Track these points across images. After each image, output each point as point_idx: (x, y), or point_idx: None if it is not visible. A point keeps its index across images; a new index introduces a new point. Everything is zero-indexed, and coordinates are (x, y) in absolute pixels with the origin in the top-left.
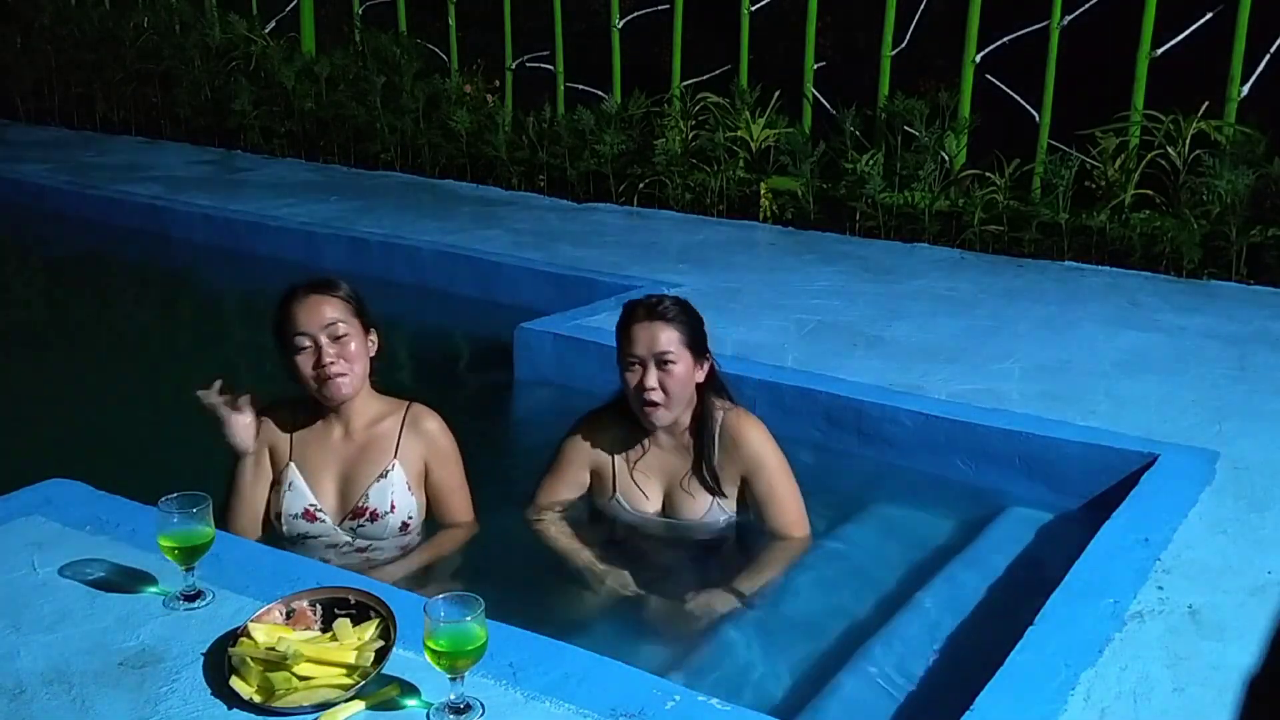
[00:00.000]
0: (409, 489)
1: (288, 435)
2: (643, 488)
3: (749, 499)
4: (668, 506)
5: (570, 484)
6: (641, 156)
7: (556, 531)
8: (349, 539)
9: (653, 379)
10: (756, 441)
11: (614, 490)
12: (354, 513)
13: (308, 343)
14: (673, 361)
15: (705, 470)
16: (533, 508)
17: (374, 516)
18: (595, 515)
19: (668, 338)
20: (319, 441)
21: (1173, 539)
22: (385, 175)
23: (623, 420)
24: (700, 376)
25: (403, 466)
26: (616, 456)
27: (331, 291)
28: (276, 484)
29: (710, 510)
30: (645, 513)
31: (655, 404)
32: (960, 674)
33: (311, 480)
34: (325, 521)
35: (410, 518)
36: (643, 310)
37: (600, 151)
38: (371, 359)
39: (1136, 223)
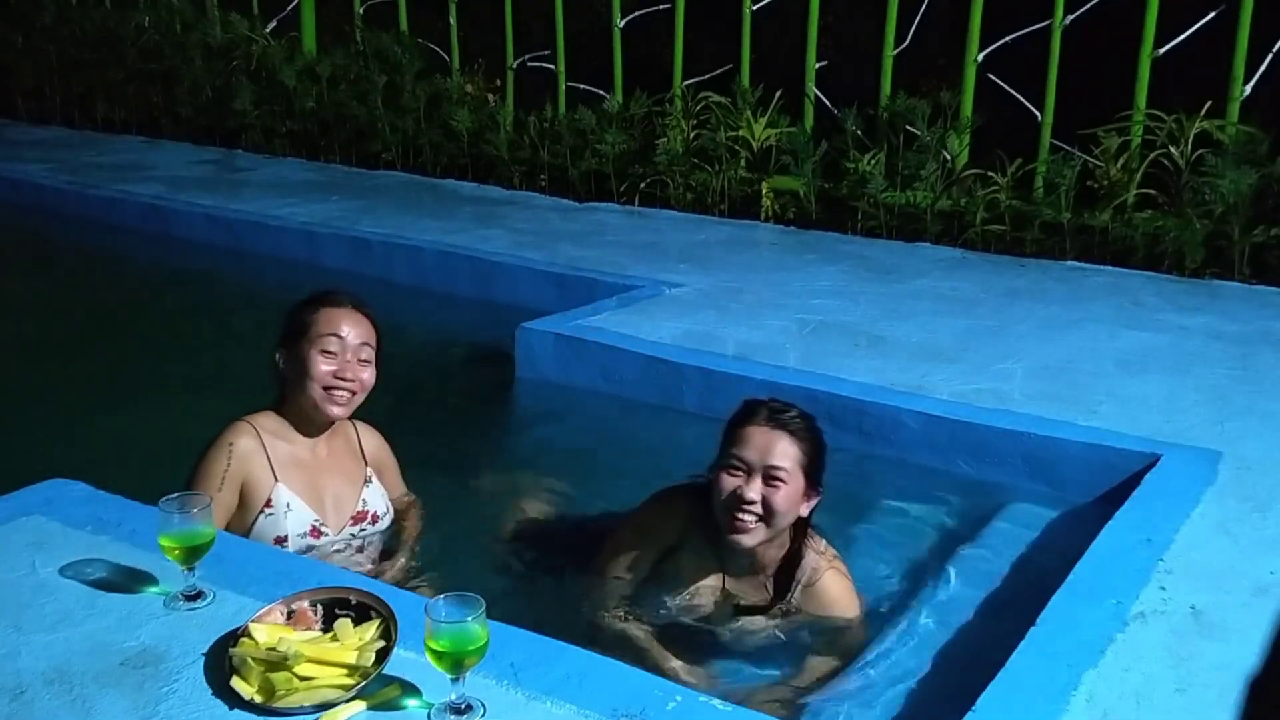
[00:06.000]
0: (382, 488)
1: (266, 460)
2: (696, 600)
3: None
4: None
5: (644, 553)
6: (643, 156)
7: (633, 629)
8: (350, 543)
9: (755, 491)
10: (842, 603)
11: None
12: (355, 518)
13: (336, 347)
14: (783, 480)
15: (778, 613)
16: (600, 578)
17: (374, 519)
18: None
19: (785, 451)
20: (298, 461)
21: (1175, 539)
22: (386, 175)
23: (700, 528)
24: (805, 510)
25: (374, 470)
26: (685, 560)
27: (371, 317)
28: (266, 509)
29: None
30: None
31: (749, 519)
32: (962, 674)
33: (307, 498)
34: (329, 534)
35: (390, 511)
36: (766, 412)
37: (602, 151)
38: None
39: (1139, 222)
